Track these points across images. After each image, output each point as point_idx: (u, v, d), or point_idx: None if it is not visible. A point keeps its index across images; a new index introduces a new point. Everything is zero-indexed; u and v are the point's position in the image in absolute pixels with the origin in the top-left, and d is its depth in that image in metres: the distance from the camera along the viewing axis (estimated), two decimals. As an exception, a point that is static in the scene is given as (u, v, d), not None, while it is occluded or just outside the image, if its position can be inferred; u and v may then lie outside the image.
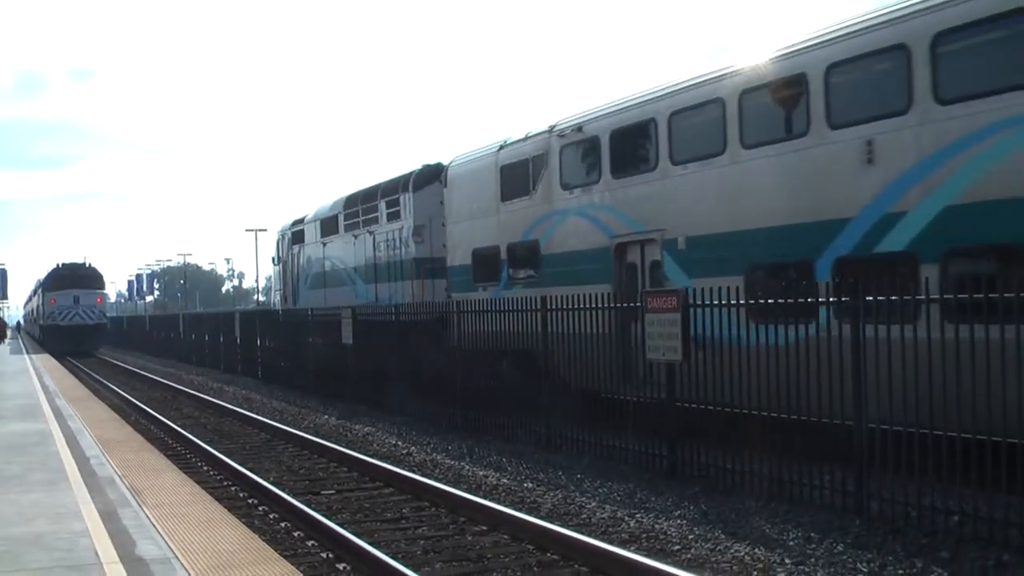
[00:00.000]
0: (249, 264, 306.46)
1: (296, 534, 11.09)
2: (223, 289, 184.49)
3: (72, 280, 59.40)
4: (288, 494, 12.73)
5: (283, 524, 11.60)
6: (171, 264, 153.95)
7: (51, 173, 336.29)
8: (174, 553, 8.08)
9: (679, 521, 10.96)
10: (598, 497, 12.41)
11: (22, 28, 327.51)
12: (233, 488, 14.03)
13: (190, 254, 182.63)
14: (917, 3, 11.93)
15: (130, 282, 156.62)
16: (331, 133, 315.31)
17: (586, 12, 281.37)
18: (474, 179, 21.86)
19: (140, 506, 10.10)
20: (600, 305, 14.98)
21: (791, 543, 9.87)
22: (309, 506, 11.94)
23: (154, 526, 9.15)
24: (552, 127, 19.01)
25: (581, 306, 15.48)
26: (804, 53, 13.50)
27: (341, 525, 10.90)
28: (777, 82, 13.91)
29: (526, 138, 19.93)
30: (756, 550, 9.65)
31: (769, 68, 14.05)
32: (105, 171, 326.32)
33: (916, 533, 9.83)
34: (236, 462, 15.49)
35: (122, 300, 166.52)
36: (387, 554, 9.60)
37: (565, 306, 15.91)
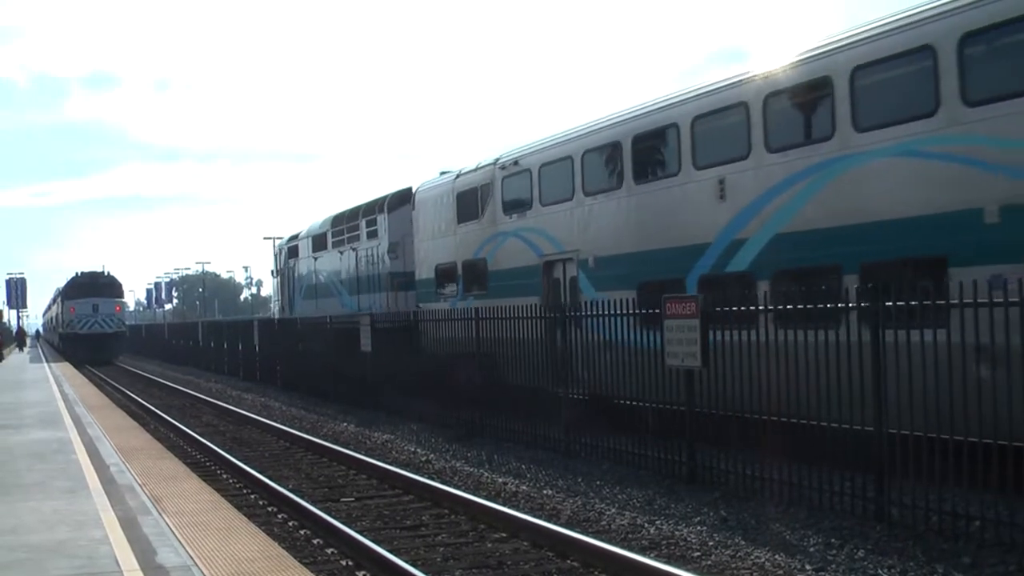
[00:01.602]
0: (267, 272, 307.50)
1: (316, 541, 11.10)
2: (241, 297, 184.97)
3: (91, 289, 59.61)
4: (307, 501, 12.75)
5: (303, 532, 11.62)
6: (189, 272, 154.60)
7: (70, 181, 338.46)
8: (194, 561, 8.10)
9: (699, 527, 10.93)
10: (617, 503, 12.38)
11: (44, 33, 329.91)
12: (252, 496, 14.06)
13: (208, 262, 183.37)
14: (754, 71, 14.76)
15: (149, 290, 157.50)
16: (344, 141, 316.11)
17: (598, 17, 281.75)
18: (436, 203, 24.97)
19: (160, 514, 10.13)
20: (623, 312, 15.08)
21: (811, 549, 9.82)
22: (328, 513, 11.93)
23: (174, 534, 9.17)
24: (496, 160, 21.88)
25: (606, 312, 15.60)
26: (675, 107, 16.28)
27: (360, 532, 10.91)
28: (657, 130, 16.75)
29: (476, 168, 22.85)
30: (776, 556, 9.61)
31: (651, 118, 16.90)
32: (123, 179, 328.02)
33: (937, 539, 9.78)
34: (255, 470, 15.52)
35: (141, 308, 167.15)
36: (407, 561, 9.60)
37: (588, 313, 16.20)
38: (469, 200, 22.99)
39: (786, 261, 13.96)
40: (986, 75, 11.68)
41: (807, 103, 14.04)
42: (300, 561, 8.88)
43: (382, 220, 30.03)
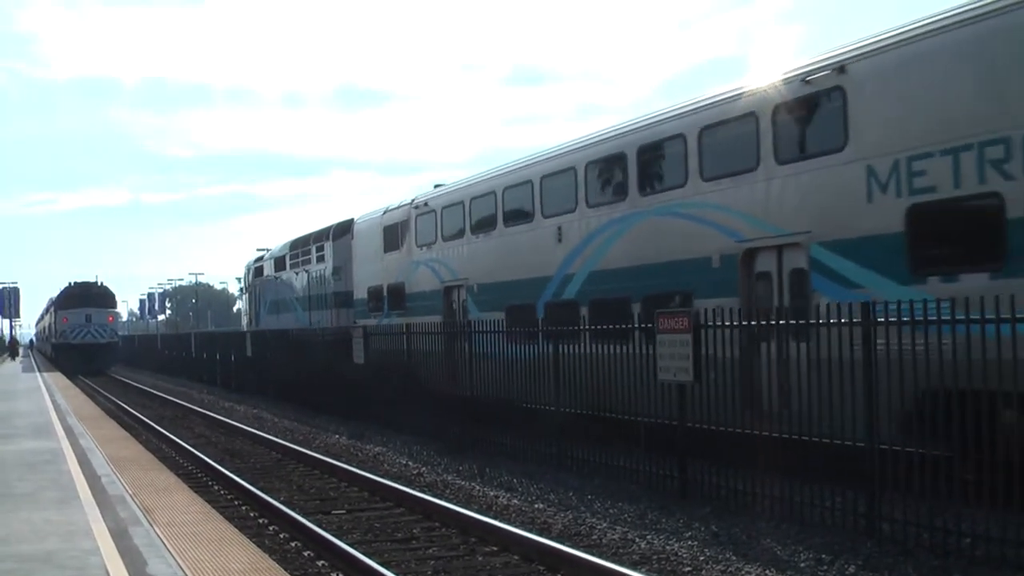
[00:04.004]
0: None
1: (306, 554, 11.08)
2: (234, 308, 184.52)
3: (84, 299, 59.48)
4: (299, 514, 12.72)
5: (293, 544, 11.59)
6: (183, 283, 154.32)
7: (63, 191, 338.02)
8: (184, 572, 8.10)
9: (690, 542, 10.93)
10: (609, 518, 12.38)
11: (37, 41, 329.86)
12: (244, 507, 14.03)
13: (202, 273, 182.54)
14: (580, 143, 19.07)
15: (142, 301, 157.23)
16: (343, 154, 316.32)
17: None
18: (369, 234, 29.49)
19: (151, 525, 10.13)
20: (621, 326, 15.33)
21: (802, 565, 9.83)
22: (319, 526, 11.92)
23: (164, 545, 9.17)
24: (412, 201, 26.22)
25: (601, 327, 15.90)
26: (530, 167, 20.60)
27: (351, 545, 10.89)
28: (519, 185, 20.82)
29: (398, 207, 27.24)
30: (767, 571, 9.61)
31: (515, 175, 21.21)
32: (117, 189, 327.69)
33: (928, 555, 9.79)
34: (247, 481, 15.49)
35: (134, 319, 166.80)
36: (397, 574, 9.60)
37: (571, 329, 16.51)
38: (393, 233, 27.43)
39: (596, 292, 17.87)
40: (713, 158, 15.41)
41: (612, 171, 17.85)
42: (291, 573, 8.91)
43: (328, 247, 34.96)
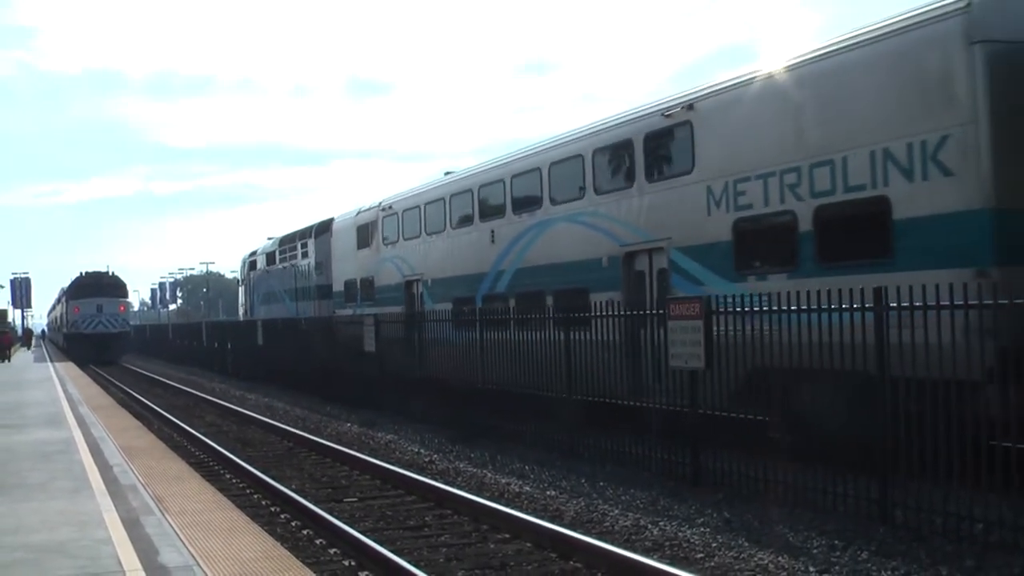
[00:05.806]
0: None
1: (318, 542, 11.09)
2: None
3: (95, 289, 59.59)
4: (310, 502, 12.74)
5: (305, 532, 11.61)
6: (194, 273, 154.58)
7: (74, 181, 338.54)
8: (196, 561, 8.09)
9: (702, 529, 10.90)
10: (621, 504, 12.36)
11: (48, 33, 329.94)
12: (255, 496, 14.05)
13: (213, 262, 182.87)
14: (508, 158, 21.88)
15: (153, 290, 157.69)
16: (350, 143, 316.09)
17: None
18: (345, 232, 32.54)
19: (163, 514, 10.13)
20: (608, 313, 15.39)
21: (815, 551, 9.80)
22: (331, 514, 11.93)
23: (176, 534, 9.17)
24: (379, 203, 28.99)
25: (593, 315, 15.89)
26: (471, 178, 23.48)
27: (363, 533, 10.90)
28: (462, 192, 23.68)
29: (368, 208, 30.06)
30: (780, 558, 9.58)
31: (460, 183, 24.03)
32: (128, 179, 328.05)
33: (941, 540, 9.75)
34: (258, 470, 15.51)
35: (145, 308, 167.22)
36: (409, 561, 9.59)
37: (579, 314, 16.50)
38: (364, 232, 30.24)
39: (520, 286, 20.56)
40: (603, 176, 18.12)
41: (531, 183, 20.42)
42: (303, 561, 8.87)
43: (311, 243, 37.97)
